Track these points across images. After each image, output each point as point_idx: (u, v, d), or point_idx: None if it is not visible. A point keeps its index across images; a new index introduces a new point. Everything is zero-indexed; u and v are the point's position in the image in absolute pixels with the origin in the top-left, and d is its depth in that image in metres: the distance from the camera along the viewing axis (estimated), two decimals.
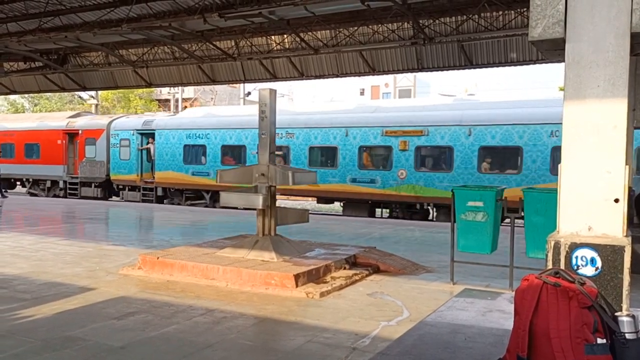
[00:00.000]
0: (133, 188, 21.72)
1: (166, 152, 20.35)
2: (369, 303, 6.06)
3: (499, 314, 5.58)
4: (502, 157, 14.96)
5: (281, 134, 17.36)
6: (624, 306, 3.49)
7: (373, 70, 15.50)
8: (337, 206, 19.20)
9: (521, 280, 3.52)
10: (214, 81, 18.21)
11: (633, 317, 3.30)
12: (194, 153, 19.81)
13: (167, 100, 48.60)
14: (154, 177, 20.97)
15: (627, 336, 3.22)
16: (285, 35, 14.81)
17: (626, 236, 3.62)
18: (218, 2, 11.85)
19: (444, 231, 11.04)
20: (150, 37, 14.84)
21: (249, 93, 40.86)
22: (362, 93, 55.37)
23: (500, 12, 12.41)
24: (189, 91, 47.75)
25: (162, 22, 12.81)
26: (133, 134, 21.42)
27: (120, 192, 22.36)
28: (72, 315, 5.42)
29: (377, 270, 7.69)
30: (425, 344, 4.68)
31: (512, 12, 12.24)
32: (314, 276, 6.87)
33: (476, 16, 12.51)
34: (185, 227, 13.13)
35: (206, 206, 19.73)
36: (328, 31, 14.20)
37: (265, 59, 15.85)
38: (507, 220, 7.30)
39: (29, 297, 6.05)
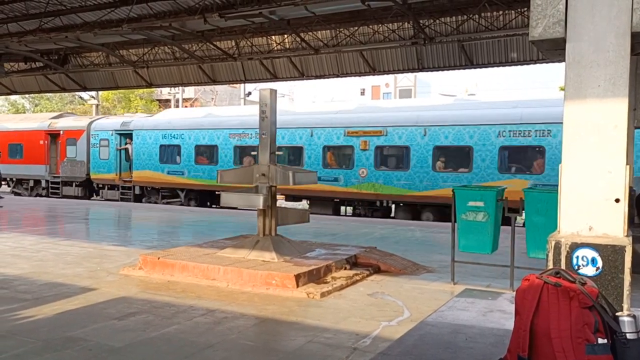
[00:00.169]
0: (112, 187, 22.32)
1: (143, 152, 20.97)
2: (370, 303, 6.06)
3: (499, 314, 5.58)
4: (455, 156, 15.63)
5: (251, 134, 18.26)
6: (625, 306, 3.48)
7: (373, 70, 15.50)
8: (304, 203, 20.01)
9: (522, 280, 3.52)
10: (214, 81, 18.22)
11: (634, 317, 3.30)
12: (169, 153, 20.41)
13: (168, 101, 48.63)
14: (131, 176, 21.58)
15: (628, 336, 3.22)
16: (285, 35, 14.81)
17: (627, 236, 3.62)
18: (218, 2, 11.85)
19: (445, 231, 11.04)
20: (151, 38, 14.84)
21: (250, 93, 40.89)
22: (362, 93, 55.37)
23: (501, 12, 12.40)
24: (190, 91, 47.79)
25: (163, 22, 12.82)
26: (112, 135, 22.04)
27: (100, 191, 22.95)
28: (73, 315, 5.42)
29: (377, 270, 7.68)
30: (426, 344, 4.68)
31: (513, 11, 12.24)
32: (315, 276, 6.87)
33: (477, 16, 12.51)
34: (185, 227, 13.14)
35: (181, 204, 20.26)
36: (328, 31, 14.20)
37: (265, 59, 15.85)
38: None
39: (30, 298, 6.05)
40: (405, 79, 54.29)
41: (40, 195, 23.99)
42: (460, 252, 6.93)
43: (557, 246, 3.65)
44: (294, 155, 17.81)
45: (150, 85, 19.22)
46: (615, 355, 3.19)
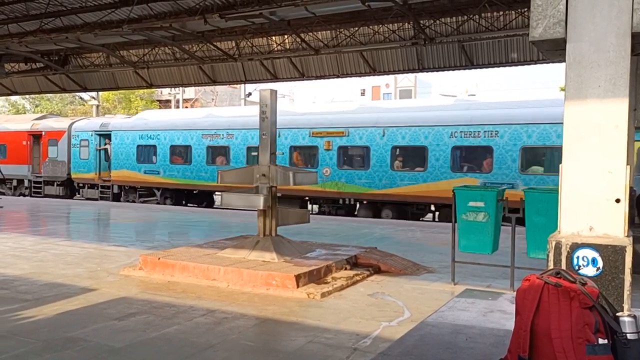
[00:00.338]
0: (92, 186, 22.97)
1: (121, 152, 21.54)
2: (370, 303, 6.06)
3: (500, 314, 5.58)
4: (411, 156, 16.27)
5: (222, 134, 19.09)
6: (625, 306, 3.48)
7: (374, 71, 15.50)
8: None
9: (522, 280, 3.52)
10: (214, 82, 18.22)
11: (634, 317, 3.30)
12: (146, 153, 21.03)
13: (168, 101, 48.62)
14: (110, 176, 22.16)
15: (629, 336, 3.22)
16: (285, 36, 14.81)
17: (627, 236, 3.62)
18: (219, 3, 11.86)
19: (445, 231, 11.04)
20: (151, 38, 14.85)
21: (250, 94, 40.88)
22: (363, 93, 55.37)
23: (501, 13, 12.40)
24: (190, 92, 47.80)
25: (163, 23, 12.82)
26: (92, 135, 22.71)
27: (80, 190, 23.58)
28: (74, 316, 5.42)
29: (378, 270, 7.68)
30: (427, 344, 4.68)
31: (513, 12, 12.23)
32: (315, 277, 6.87)
33: (477, 16, 12.51)
34: (185, 228, 13.14)
35: (157, 203, 20.87)
36: (329, 32, 14.20)
37: (266, 59, 15.85)
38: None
39: (30, 298, 6.06)
40: (406, 80, 54.29)
41: (24, 195, 24.62)
42: (460, 252, 6.93)
43: (558, 246, 3.65)
44: None
45: (150, 85, 19.22)
46: (615, 355, 3.19)
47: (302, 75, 16.26)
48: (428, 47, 13.96)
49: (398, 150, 16.29)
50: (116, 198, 22.03)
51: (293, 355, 4.47)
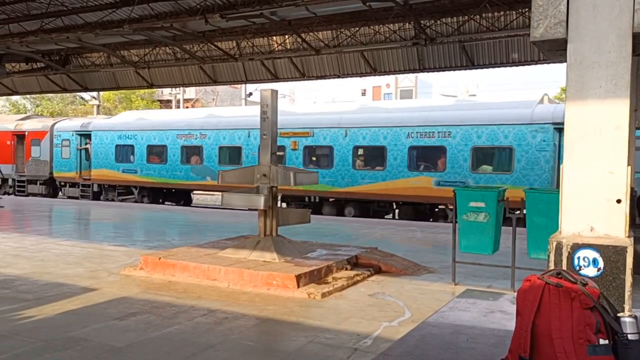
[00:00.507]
0: (73, 185, 23.62)
1: (101, 152, 22.24)
2: (371, 304, 6.06)
3: (500, 314, 5.58)
4: (372, 155, 16.92)
5: (196, 134, 19.81)
6: (627, 307, 3.48)
7: (374, 71, 15.49)
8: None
9: (523, 280, 3.52)
10: (215, 82, 18.22)
11: (635, 317, 3.30)
12: (124, 152, 21.71)
13: (169, 101, 48.65)
14: (90, 175, 22.88)
15: (630, 337, 3.22)
16: (286, 36, 14.81)
17: (628, 237, 3.61)
18: (219, 3, 11.85)
19: (446, 232, 11.04)
20: (152, 38, 14.85)
21: (251, 94, 40.85)
22: (363, 94, 55.35)
23: (502, 13, 12.39)
24: (191, 92, 47.82)
25: (164, 22, 12.82)
26: (73, 135, 23.36)
27: (62, 188, 24.18)
28: (74, 315, 5.43)
29: (378, 270, 7.68)
30: (427, 344, 4.68)
31: (514, 12, 12.23)
32: (316, 277, 6.87)
33: (477, 17, 12.50)
34: (185, 228, 13.14)
35: (135, 201, 21.55)
36: (329, 32, 14.20)
37: (266, 59, 15.85)
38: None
39: (31, 298, 6.06)
40: (407, 80, 54.26)
41: (8, 194, 25.14)
42: (461, 252, 6.93)
43: (559, 247, 3.65)
44: (234, 154, 19.13)
45: (151, 85, 19.23)
46: (616, 356, 3.19)
47: (303, 76, 16.26)
48: (429, 47, 13.96)
49: (359, 150, 16.95)
50: (96, 196, 22.68)
51: (294, 355, 4.47)
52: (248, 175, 8.07)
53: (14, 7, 12.94)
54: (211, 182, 19.25)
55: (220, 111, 22.40)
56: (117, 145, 21.80)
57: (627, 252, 3.50)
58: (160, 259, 7.42)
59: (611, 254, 3.53)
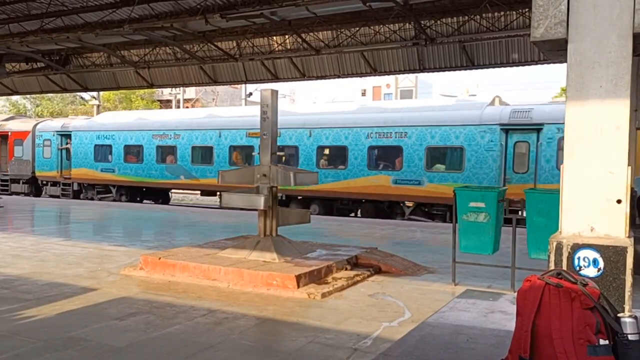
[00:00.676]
0: (54, 184, 24.20)
1: (80, 151, 22.92)
2: (371, 304, 6.06)
3: (500, 314, 5.58)
4: (334, 155, 17.55)
5: (170, 134, 20.47)
6: (627, 307, 3.48)
7: (374, 71, 15.48)
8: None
9: (523, 281, 3.51)
10: (215, 82, 18.21)
11: (635, 318, 3.29)
12: (102, 152, 22.38)
13: (169, 101, 48.66)
14: (71, 174, 23.50)
15: (630, 337, 3.22)
16: (286, 36, 14.80)
17: (628, 237, 3.61)
18: (220, 3, 11.85)
19: (446, 232, 11.04)
20: (152, 38, 14.84)
21: (251, 94, 40.84)
22: (363, 94, 55.34)
23: (502, 13, 12.38)
24: (191, 92, 47.82)
25: (164, 22, 12.81)
26: (53, 135, 23.94)
27: (44, 187, 24.76)
28: (74, 315, 5.43)
29: (378, 271, 7.68)
30: (427, 344, 4.67)
31: (514, 12, 12.22)
32: (316, 277, 6.87)
33: (478, 17, 12.49)
34: (185, 228, 13.14)
35: (113, 200, 22.19)
36: (329, 32, 14.19)
37: (266, 59, 15.84)
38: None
39: (31, 298, 6.06)
40: (407, 80, 54.25)
41: None
42: (461, 252, 6.93)
43: (559, 247, 3.65)
44: (206, 153, 19.76)
45: (151, 85, 19.22)
46: (616, 356, 3.19)
47: (303, 76, 16.25)
48: (429, 47, 13.95)
49: (322, 149, 17.59)
50: (76, 195, 23.36)
51: (293, 355, 4.47)
52: (248, 175, 8.08)
53: (14, 7, 12.93)
54: (185, 180, 20.07)
55: (192, 113, 23.44)
56: (95, 145, 22.44)
57: (627, 252, 3.50)
58: (160, 259, 7.42)
59: (611, 254, 3.53)
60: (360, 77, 16.49)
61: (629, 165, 3.63)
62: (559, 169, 14.40)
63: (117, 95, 46.14)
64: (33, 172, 24.51)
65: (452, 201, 6.96)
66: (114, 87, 20.51)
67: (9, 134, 25.41)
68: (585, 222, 3.68)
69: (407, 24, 13.31)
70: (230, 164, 19.00)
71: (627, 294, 3.50)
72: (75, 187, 23.45)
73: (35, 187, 25.05)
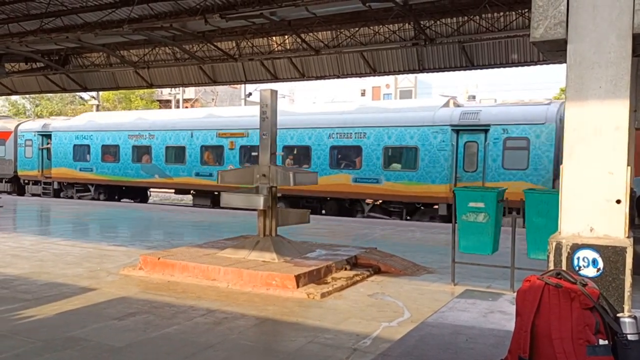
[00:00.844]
0: (36, 182, 24.79)
1: (60, 151, 23.51)
2: (370, 304, 6.06)
3: (500, 315, 5.58)
4: (299, 154, 18.13)
5: (145, 135, 21.08)
6: (626, 307, 3.48)
7: (374, 71, 15.50)
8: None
9: (523, 281, 3.51)
10: (215, 82, 18.23)
11: (635, 318, 3.30)
12: (81, 152, 23.02)
13: (169, 101, 48.65)
14: (51, 173, 24.07)
15: (629, 337, 3.22)
16: (286, 36, 14.80)
17: (628, 237, 3.62)
18: (219, 3, 11.85)
19: (445, 232, 11.04)
20: (152, 38, 14.84)
21: (250, 94, 40.85)
22: (363, 94, 55.35)
23: (502, 13, 12.40)
24: (190, 92, 47.82)
25: (164, 22, 12.81)
26: (35, 135, 24.58)
27: (26, 186, 25.41)
28: (74, 315, 5.42)
29: (378, 271, 7.68)
30: (427, 344, 4.68)
31: (513, 13, 12.23)
32: (315, 277, 6.87)
33: (477, 17, 12.50)
34: (185, 228, 13.13)
35: (92, 198, 22.75)
36: (329, 32, 14.20)
37: (266, 59, 15.85)
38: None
39: (30, 298, 6.05)
40: (406, 80, 54.26)
41: None
42: (460, 252, 6.93)
43: (558, 247, 3.65)
44: (179, 153, 20.39)
45: (151, 85, 19.23)
46: (616, 356, 3.19)
47: (303, 76, 16.26)
48: (428, 47, 13.96)
49: (288, 149, 17.93)
50: (57, 194, 23.98)
51: (293, 355, 4.47)
52: (248, 175, 8.08)
53: (14, 6, 12.93)
54: (159, 179, 20.75)
55: (166, 113, 24.17)
56: (74, 145, 23.03)
57: (626, 252, 3.50)
58: (159, 259, 7.41)
59: (611, 254, 3.53)
60: (360, 77, 16.52)
61: (628, 165, 3.64)
62: (505, 168, 14.87)
63: (116, 95, 46.13)
64: (15, 172, 25.12)
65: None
66: (114, 87, 20.54)
67: None
68: (584, 223, 3.68)
69: (407, 24, 13.32)
70: (201, 163, 19.71)
71: (627, 294, 3.50)
72: (56, 186, 24.09)
73: (18, 186, 25.68)
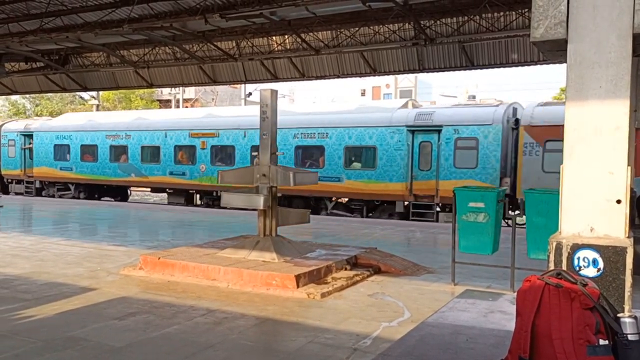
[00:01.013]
0: (19, 181, 25.46)
1: (41, 151, 24.06)
2: (370, 304, 6.06)
3: (500, 315, 5.58)
4: None
5: (122, 135, 21.63)
6: (626, 307, 3.48)
7: (374, 71, 15.49)
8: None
9: (523, 281, 3.51)
10: (215, 82, 18.22)
11: (635, 318, 3.29)
12: (61, 151, 23.53)
13: (169, 101, 48.63)
14: (33, 172, 24.66)
15: (630, 337, 3.22)
16: (286, 36, 14.79)
17: (628, 237, 3.61)
18: (219, 3, 11.84)
19: (445, 232, 11.04)
20: (152, 38, 14.83)
21: (250, 93, 40.85)
22: (363, 94, 55.37)
23: (502, 13, 12.39)
24: (190, 92, 47.81)
25: (164, 22, 12.80)
26: (17, 136, 25.17)
27: (9, 185, 26.07)
28: (74, 315, 5.42)
29: (378, 271, 7.68)
30: (427, 344, 4.68)
31: (514, 13, 12.22)
32: (315, 277, 6.87)
33: (477, 17, 12.49)
34: (185, 228, 13.13)
35: (72, 197, 23.23)
36: (329, 32, 14.19)
37: (266, 59, 15.84)
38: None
39: (31, 298, 6.05)
40: (406, 80, 54.29)
41: None
42: (460, 252, 6.93)
43: (559, 247, 3.65)
44: (154, 153, 20.91)
45: (151, 85, 19.23)
46: (616, 356, 3.19)
47: (303, 76, 16.25)
48: (428, 47, 13.96)
49: (256, 148, 17.86)
50: (38, 192, 24.53)
51: (293, 355, 4.47)
52: (248, 175, 8.08)
53: (14, 6, 12.92)
54: (135, 178, 21.35)
55: (141, 114, 24.66)
56: (55, 145, 23.52)
57: (626, 252, 3.50)
58: (159, 258, 7.41)
59: (611, 254, 3.53)
60: (360, 77, 16.51)
61: (628, 165, 3.64)
62: (456, 167, 15.35)
63: (116, 95, 46.11)
64: None
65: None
66: (114, 86, 20.55)
67: None
68: (585, 223, 3.68)
69: (407, 24, 13.31)
70: (175, 162, 20.25)
71: (627, 294, 3.50)
72: (38, 185, 24.59)
73: (2, 185, 26.13)
